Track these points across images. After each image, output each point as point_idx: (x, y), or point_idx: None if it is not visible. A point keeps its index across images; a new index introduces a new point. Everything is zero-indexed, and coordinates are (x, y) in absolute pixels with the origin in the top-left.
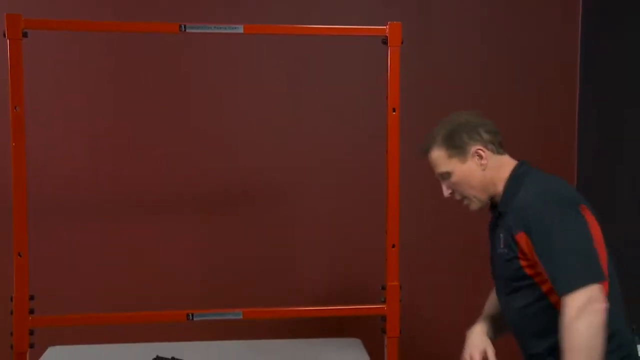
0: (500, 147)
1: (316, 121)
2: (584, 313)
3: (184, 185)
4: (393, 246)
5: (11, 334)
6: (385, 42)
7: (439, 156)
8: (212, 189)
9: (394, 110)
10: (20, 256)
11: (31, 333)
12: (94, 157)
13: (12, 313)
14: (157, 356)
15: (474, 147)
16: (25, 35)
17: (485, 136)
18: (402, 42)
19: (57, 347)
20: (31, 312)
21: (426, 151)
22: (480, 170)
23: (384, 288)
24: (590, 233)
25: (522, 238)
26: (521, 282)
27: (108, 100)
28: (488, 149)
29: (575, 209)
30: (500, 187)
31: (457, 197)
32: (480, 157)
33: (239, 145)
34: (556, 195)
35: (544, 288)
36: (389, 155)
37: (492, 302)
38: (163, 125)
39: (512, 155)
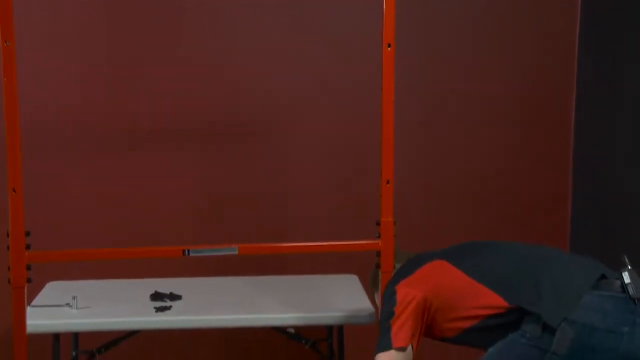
0: None
1: (312, 55)
2: None
3: (179, 119)
4: (387, 182)
5: (9, 268)
6: None
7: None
8: (206, 122)
9: (389, 45)
10: (14, 192)
11: (28, 268)
12: (87, 90)
13: (8, 248)
14: (156, 291)
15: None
16: None
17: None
18: None
19: (56, 283)
20: (27, 247)
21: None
22: None
23: (378, 224)
24: (392, 307)
25: None
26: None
27: (101, 32)
28: None
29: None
30: None
31: None
32: None
33: (234, 78)
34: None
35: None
36: (383, 91)
37: None
38: (157, 57)
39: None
